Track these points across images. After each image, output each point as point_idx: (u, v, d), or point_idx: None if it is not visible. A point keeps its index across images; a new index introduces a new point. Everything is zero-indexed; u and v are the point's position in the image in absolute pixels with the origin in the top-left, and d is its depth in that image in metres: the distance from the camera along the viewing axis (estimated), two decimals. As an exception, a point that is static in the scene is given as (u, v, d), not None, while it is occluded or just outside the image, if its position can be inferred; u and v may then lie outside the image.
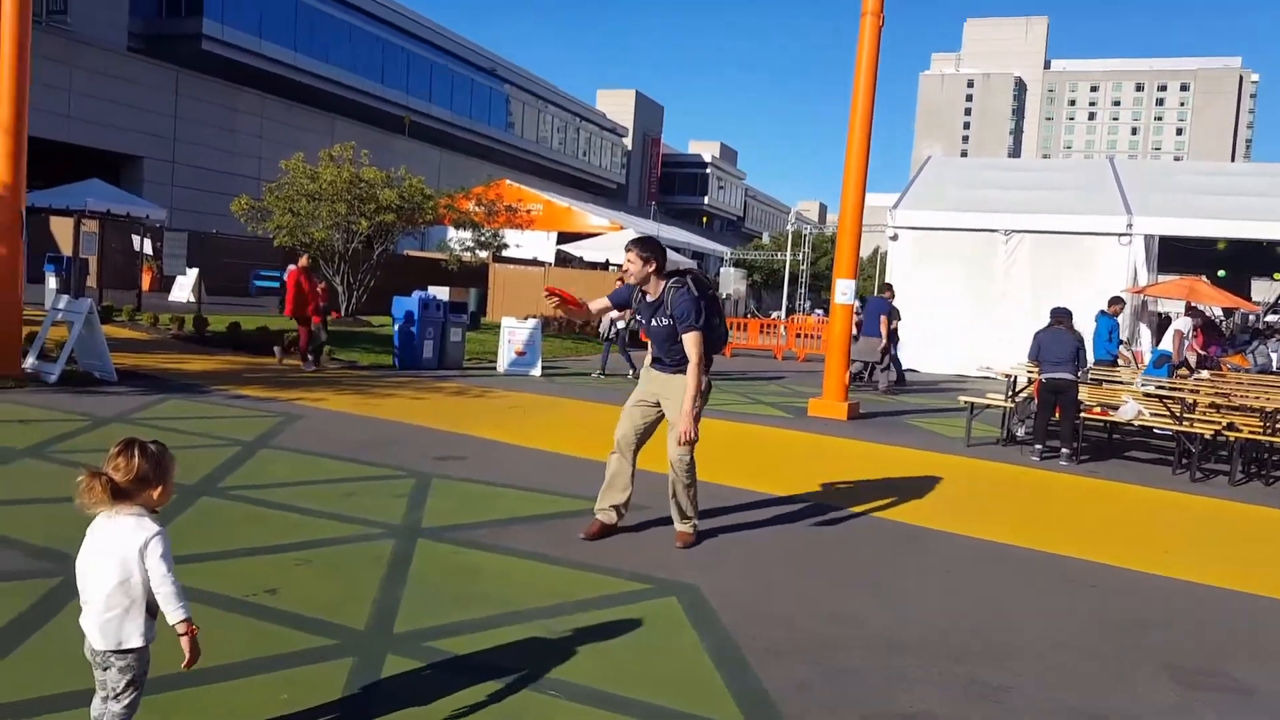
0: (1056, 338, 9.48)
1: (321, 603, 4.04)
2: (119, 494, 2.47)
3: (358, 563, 4.67)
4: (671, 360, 5.25)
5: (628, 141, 78.15)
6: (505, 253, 26.86)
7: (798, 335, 23.81)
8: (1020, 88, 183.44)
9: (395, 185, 18.87)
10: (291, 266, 13.61)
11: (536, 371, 14.10)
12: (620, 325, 14.36)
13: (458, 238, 24.23)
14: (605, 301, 5.47)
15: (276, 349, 12.99)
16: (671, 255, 6.21)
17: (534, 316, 15.54)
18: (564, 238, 33.16)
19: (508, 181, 31.54)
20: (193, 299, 21.54)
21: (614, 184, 74.71)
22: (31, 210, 14.58)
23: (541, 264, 29.08)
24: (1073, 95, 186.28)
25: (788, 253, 42.86)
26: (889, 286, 16.27)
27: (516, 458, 7.64)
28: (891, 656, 3.95)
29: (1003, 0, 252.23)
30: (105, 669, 2.56)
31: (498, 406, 10.62)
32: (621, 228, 33.17)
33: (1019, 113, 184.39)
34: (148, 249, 23.88)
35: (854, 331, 15.75)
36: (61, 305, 10.52)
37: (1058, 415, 9.55)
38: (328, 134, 36.42)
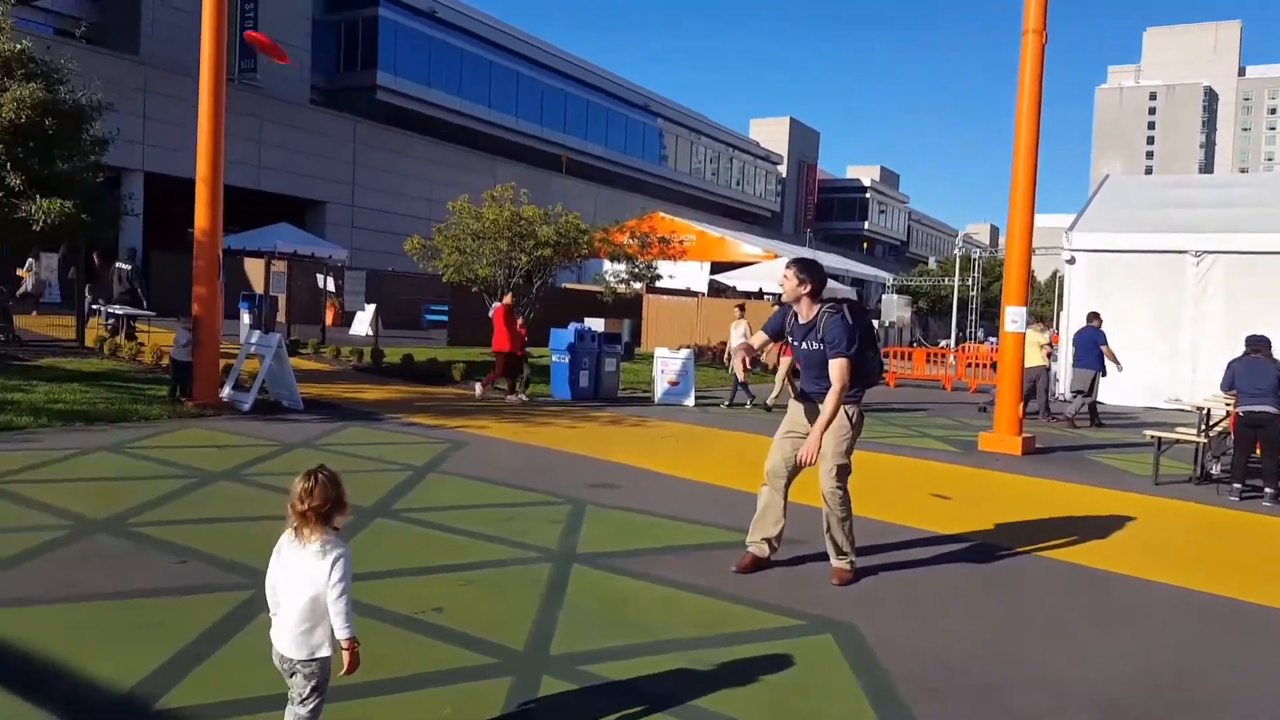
0: (1254, 367, 8.71)
1: (484, 622, 4.24)
2: (311, 520, 2.73)
3: (517, 585, 4.86)
4: (820, 390, 5.18)
5: (782, 169, 77.87)
6: (659, 284, 27.26)
7: (969, 365, 22.86)
8: (1210, 97, 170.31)
9: (553, 221, 19.57)
10: (496, 304, 14.20)
11: (690, 401, 14.21)
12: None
13: (612, 270, 24.80)
14: (763, 335, 5.49)
15: (478, 385, 13.49)
16: (830, 284, 6.16)
17: (687, 346, 15.70)
18: (717, 267, 33.35)
19: (661, 214, 32.07)
20: (371, 332, 23.05)
21: (768, 212, 74.53)
22: (228, 253, 16.03)
23: (695, 294, 29.33)
24: (1272, 103, 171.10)
25: (955, 278, 41.26)
26: (1096, 315, 15.38)
27: (669, 487, 7.73)
28: (1064, 705, 3.73)
29: (1183, 9, 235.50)
30: (292, 675, 2.80)
31: (651, 436, 10.77)
32: (776, 256, 33.04)
33: (1209, 124, 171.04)
34: (330, 286, 25.77)
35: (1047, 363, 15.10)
36: (254, 340, 11.53)
37: (1258, 452, 8.74)
38: (490, 174, 38.28)
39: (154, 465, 7.42)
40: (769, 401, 14.10)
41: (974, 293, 43.08)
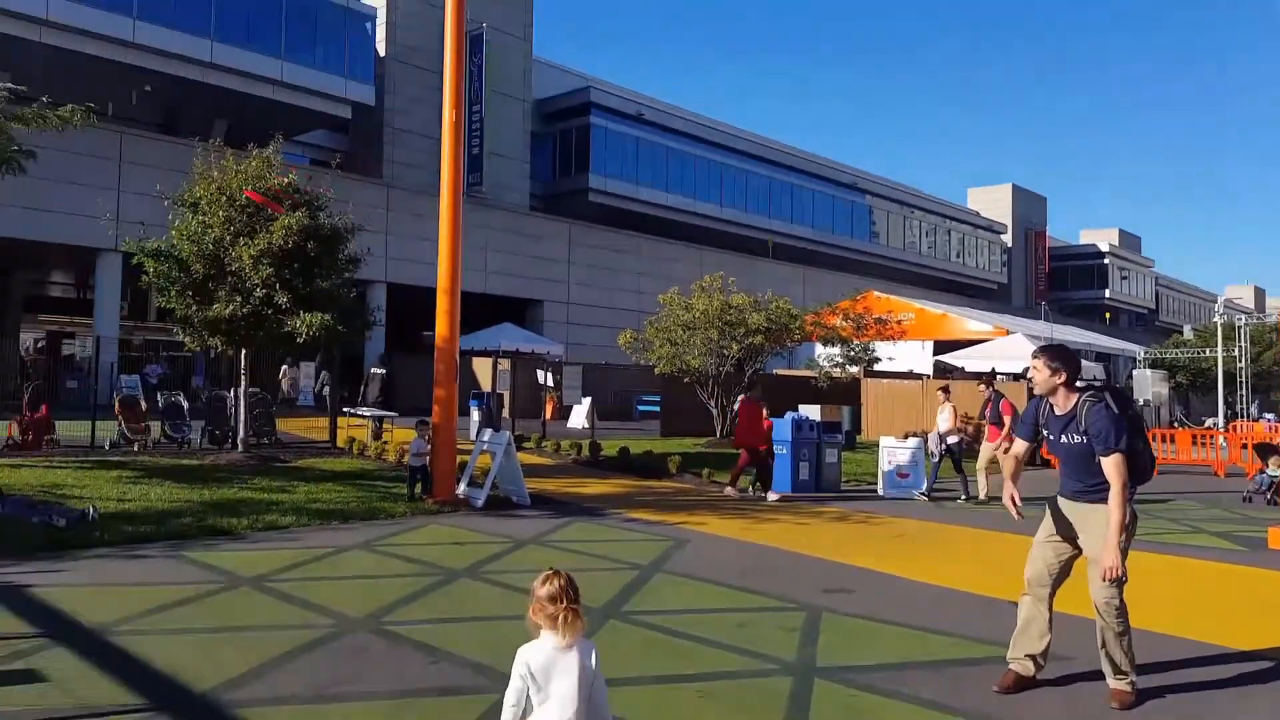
0: None
1: (725, 740, 4.15)
2: (580, 614, 2.95)
3: (756, 698, 4.74)
4: (1086, 486, 4.80)
5: (1006, 238, 74.50)
6: (877, 366, 26.56)
7: (1243, 446, 20.41)
8: None
9: (763, 308, 19.72)
10: (743, 396, 14.26)
11: (921, 494, 13.56)
12: (951, 441, 13.57)
13: (826, 354, 24.48)
14: (1021, 443, 5.20)
15: (729, 489, 13.14)
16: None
17: (914, 434, 15.08)
18: (941, 346, 32.06)
19: (875, 292, 31.46)
20: (587, 425, 23.93)
21: (994, 284, 71.24)
22: (459, 353, 17.28)
23: (918, 376, 28.28)
24: None
25: (1219, 348, 37.39)
26: None
27: (908, 592, 7.34)
28: None
29: None
30: None
31: (882, 534, 10.34)
32: (1007, 332, 31.37)
33: None
34: (549, 382, 27.11)
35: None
36: (486, 438, 12.26)
37: None
38: (697, 263, 39.26)
39: (401, 563, 7.96)
40: (982, 495, 13.25)
41: (1241, 364, 38.70)
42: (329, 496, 10.94)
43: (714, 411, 20.38)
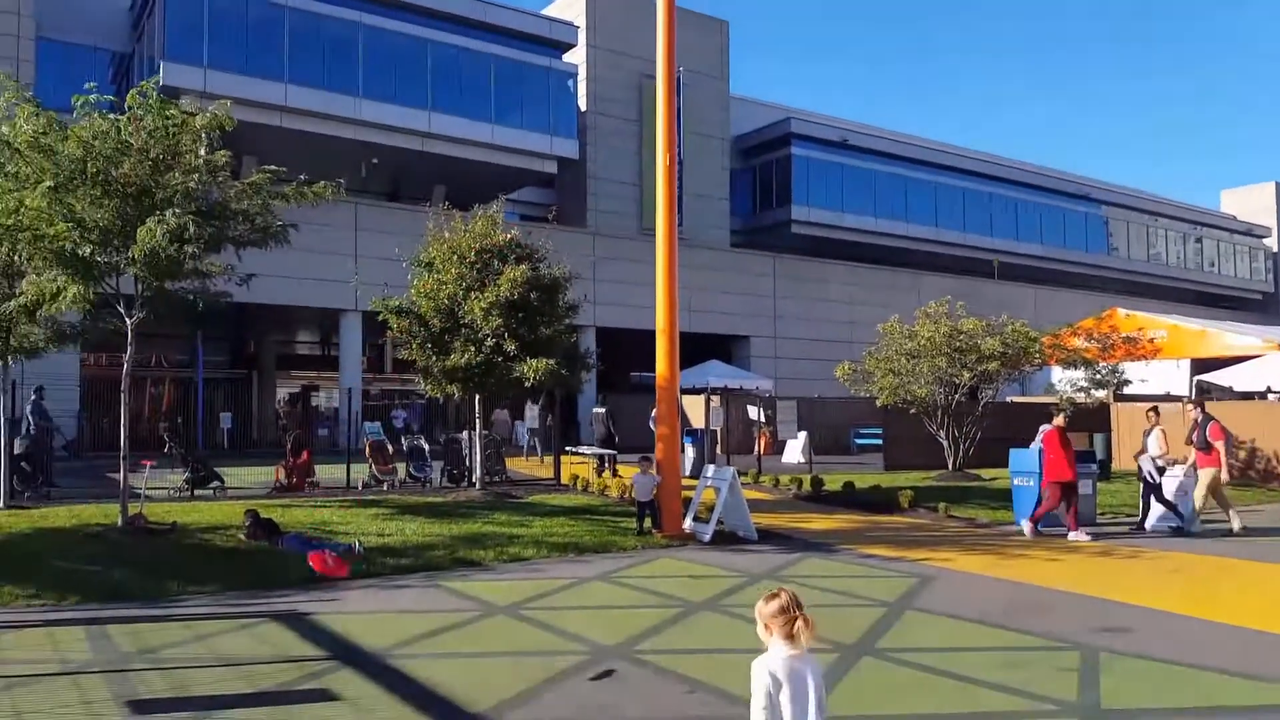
0: None
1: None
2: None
3: (1039, 740, 4.49)
4: None
5: (1270, 243, 67.15)
6: (1127, 389, 24.58)
7: None
8: None
9: (997, 332, 18.80)
10: (1046, 426, 12.95)
11: (1192, 525, 12.37)
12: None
13: (1067, 378, 22.93)
14: None
15: (1025, 522, 12.13)
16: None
17: (1178, 461, 13.80)
18: (1200, 365, 29.18)
19: (1120, 310, 29.21)
20: (803, 459, 23.63)
21: (1258, 294, 64.31)
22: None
23: (1176, 399, 25.89)
24: None
25: None
26: None
27: (1196, 632, 6.72)
28: None
29: None
30: None
31: (1154, 569, 9.52)
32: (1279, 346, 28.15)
33: None
34: (761, 417, 27.05)
35: None
36: (710, 474, 12.41)
37: None
38: (913, 290, 38.02)
39: (641, 594, 8.19)
40: (1234, 529, 12.18)
41: None
42: (563, 530, 11.42)
43: (944, 443, 19.56)
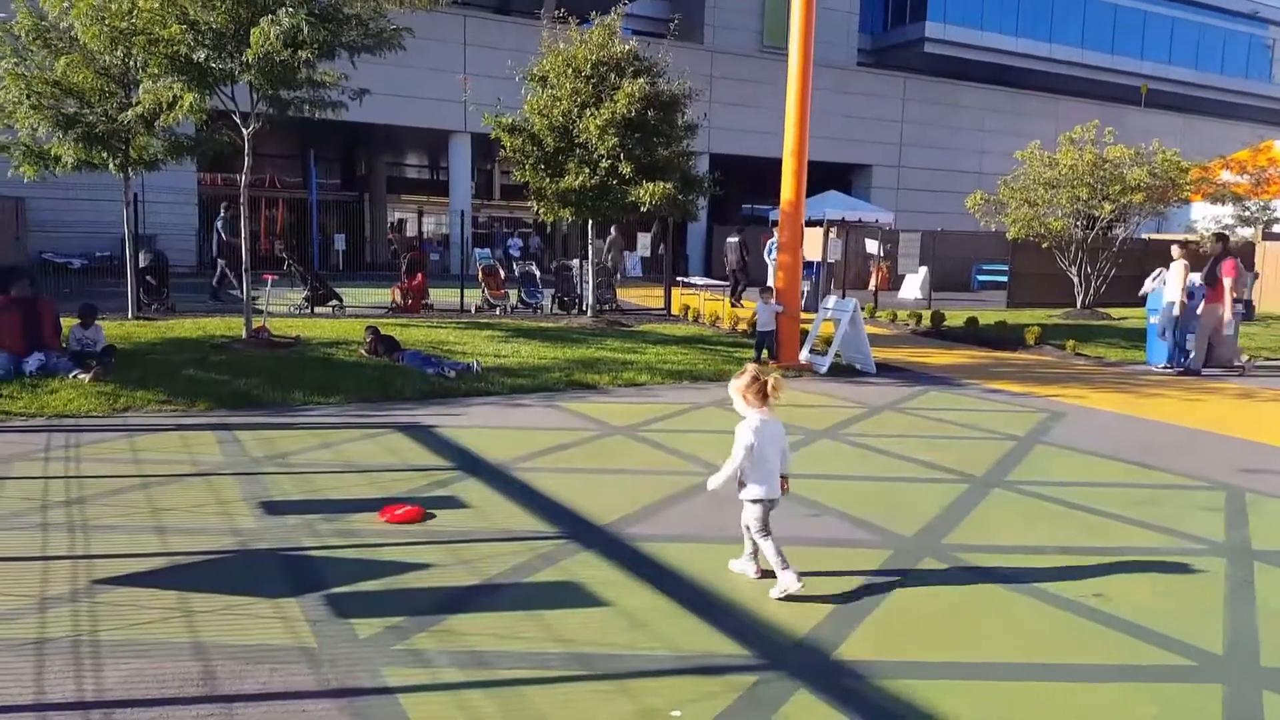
0: None
1: (1158, 617, 3.83)
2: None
3: (1186, 578, 4.33)
4: None
5: None
6: (1277, 228, 22.74)
7: None
8: None
9: (1145, 162, 17.41)
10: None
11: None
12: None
13: (1212, 214, 21.28)
14: None
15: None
16: None
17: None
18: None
19: (1278, 143, 26.69)
20: (920, 295, 22.98)
21: None
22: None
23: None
24: None
25: None
26: None
27: (1358, 480, 6.31)
28: None
29: None
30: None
31: (1306, 416, 8.96)
32: None
33: None
34: (879, 251, 26.24)
35: None
36: (830, 305, 12.11)
37: None
38: (1051, 117, 35.45)
39: (757, 422, 8.17)
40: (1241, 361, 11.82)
41: None
42: (676, 358, 11.44)
43: (1075, 280, 18.64)
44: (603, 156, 13.28)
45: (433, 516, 5.10)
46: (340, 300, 15.45)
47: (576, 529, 5.01)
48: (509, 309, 16.60)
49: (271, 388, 8.56)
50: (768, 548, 4.15)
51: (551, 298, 17.14)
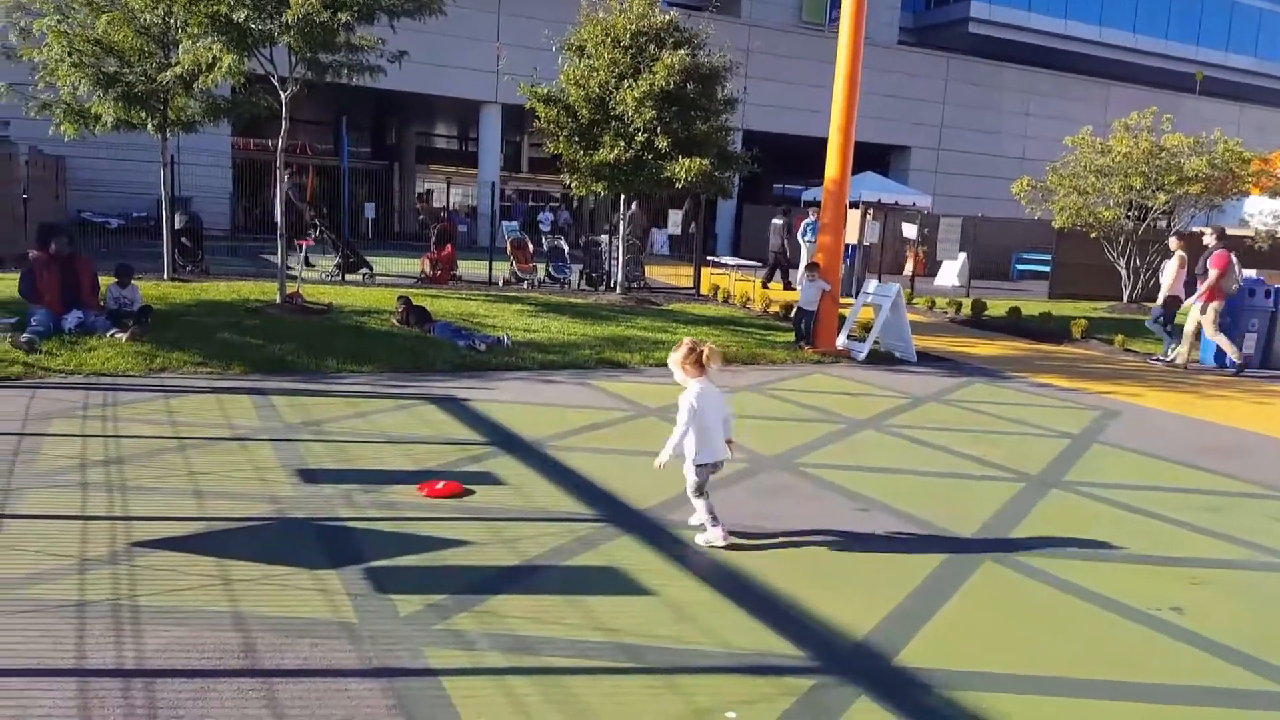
0: None
1: (1238, 634, 3.66)
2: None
3: (1264, 593, 4.14)
4: None
5: None
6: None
7: None
8: None
9: (1205, 151, 16.96)
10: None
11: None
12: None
13: (1270, 209, 20.76)
14: None
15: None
16: None
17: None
18: None
19: (1344, 135, 25.98)
20: (958, 283, 22.63)
21: None
22: (814, 205, 16.84)
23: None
24: None
25: None
26: None
27: None
28: None
29: None
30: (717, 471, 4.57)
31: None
32: None
33: None
34: (916, 235, 25.87)
35: None
36: (871, 290, 11.89)
37: None
38: (1101, 103, 34.78)
39: (797, 408, 8.01)
40: (1182, 362, 11.56)
41: None
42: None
43: (1123, 272, 18.25)
44: (639, 130, 13.06)
45: (471, 493, 5.01)
46: (371, 269, 15.39)
47: (614, 512, 4.89)
48: (537, 283, 16.48)
49: (305, 354, 8.52)
50: (700, 505, 4.46)
51: (580, 273, 17.00)
